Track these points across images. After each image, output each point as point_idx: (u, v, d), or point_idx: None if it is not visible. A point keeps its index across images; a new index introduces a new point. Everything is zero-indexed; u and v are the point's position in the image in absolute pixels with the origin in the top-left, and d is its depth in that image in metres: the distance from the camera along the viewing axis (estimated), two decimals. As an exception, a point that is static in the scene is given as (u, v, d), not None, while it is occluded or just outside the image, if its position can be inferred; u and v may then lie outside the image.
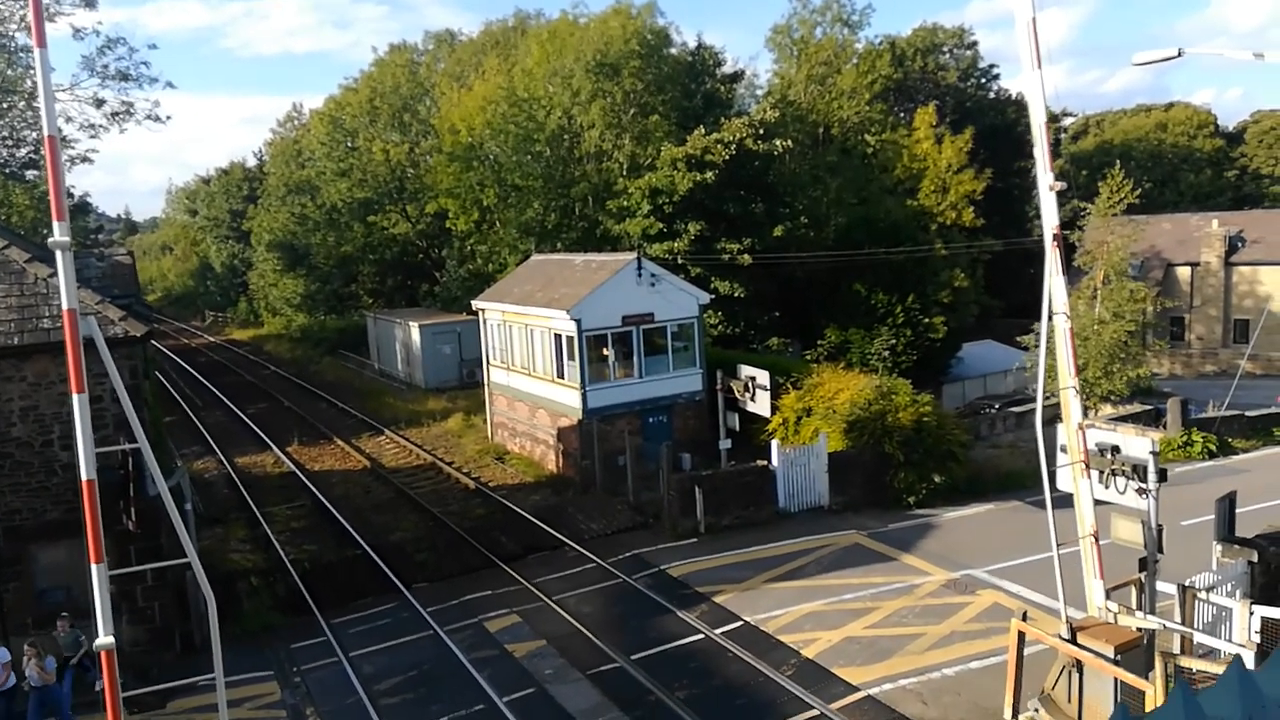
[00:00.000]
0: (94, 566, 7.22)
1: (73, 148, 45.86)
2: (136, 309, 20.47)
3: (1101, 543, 15.29)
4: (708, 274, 37.11)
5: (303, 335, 65.78)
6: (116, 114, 43.68)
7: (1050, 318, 14.09)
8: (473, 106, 45.18)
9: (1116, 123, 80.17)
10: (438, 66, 61.83)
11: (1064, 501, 16.52)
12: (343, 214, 58.10)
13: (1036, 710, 12.95)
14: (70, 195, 49.91)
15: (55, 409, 16.67)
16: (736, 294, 37.52)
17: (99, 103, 43.39)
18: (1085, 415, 34.17)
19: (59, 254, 7.27)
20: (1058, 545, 13.72)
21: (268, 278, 69.70)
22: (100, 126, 47.25)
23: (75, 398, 7.35)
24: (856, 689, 14.96)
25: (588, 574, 20.64)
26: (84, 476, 7.29)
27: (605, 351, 27.70)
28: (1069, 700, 12.69)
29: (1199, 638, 13.61)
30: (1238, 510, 16.73)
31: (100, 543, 7.49)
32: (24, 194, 42.88)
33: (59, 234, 7.22)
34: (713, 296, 32.16)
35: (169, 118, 67.80)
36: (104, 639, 7.12)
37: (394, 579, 20.61)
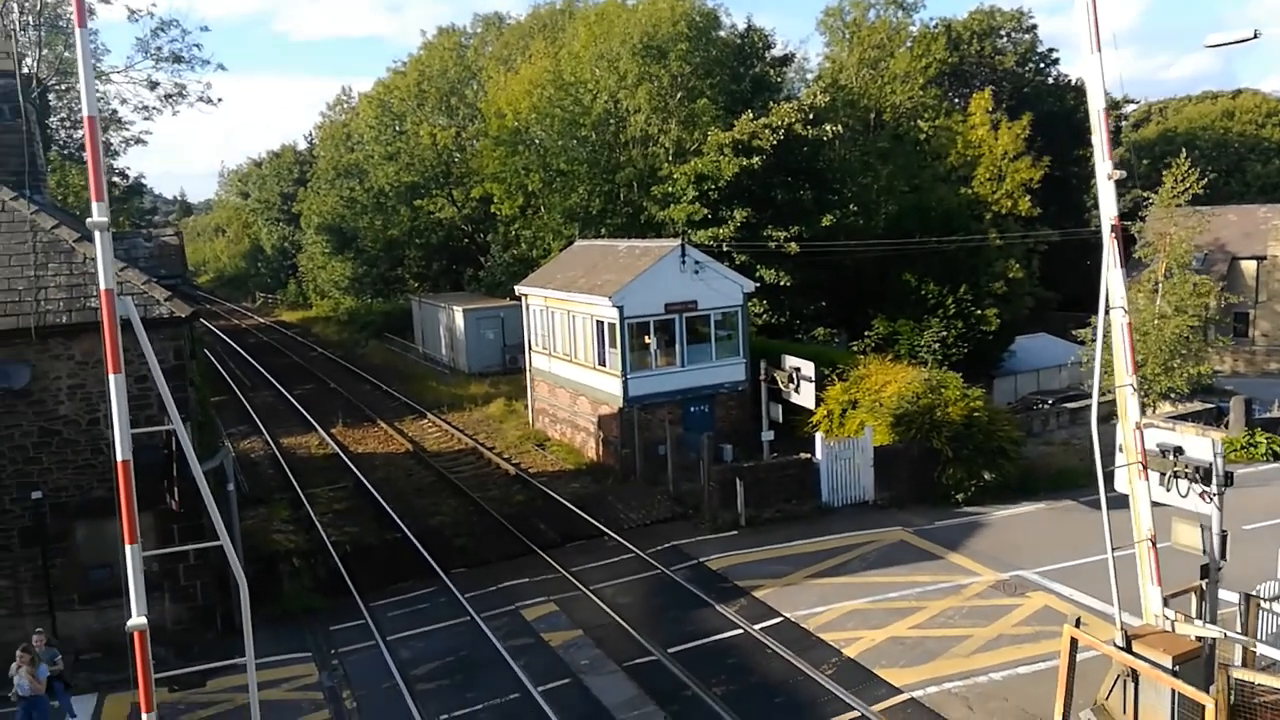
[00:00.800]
0: (128, 547, 7.20)
1: (127, 129, 46.82)
2: (183, 289, 20.62)
3: (1160, 547, 14.68)
4: (753, 262, 36.53)
5: (349, 318, 66.48)
6: (169, 96, 44.41)
7: (1108, 311, 13.44)
8: (519, 90, 44.99)
9: (1181, 110, 77.43)
10: (485, 50, 61.77)
11: (1120, 503, 15.88)
12: (390, 198, 58.43)
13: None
14: (125, 176, 50.94)
15: (102, 388, 16.79)
16: (782, 282, 36.89)
17: (152, 85, 44.09)
18: (1143, 413, 33.05)
19: (97, 234, 7.39)
20: (1113, 548, 13.20)
21: (316, 260, 70.50)
22: (154, 108, 48.07)
23: (111, 378, 7.35)
24: (899, 691, 14.56)
25: (626, 564, 20.44)
26: (119, 457, 7.28)
27: (647, 339, 27.39)
28: (1124, 711, 12.16)
29: (1262, 649, 12.96)
30: (1306, 516, 16.01)
31: (134, 523, 7.45)
32: (81, 175, 43.71)
33: (97, 214, 7.32)
34: (758, 285, 31.64)
35: (220, 100, 69.27)
36: (136, 620, 7.08)
37: (433, 563, 20.62)
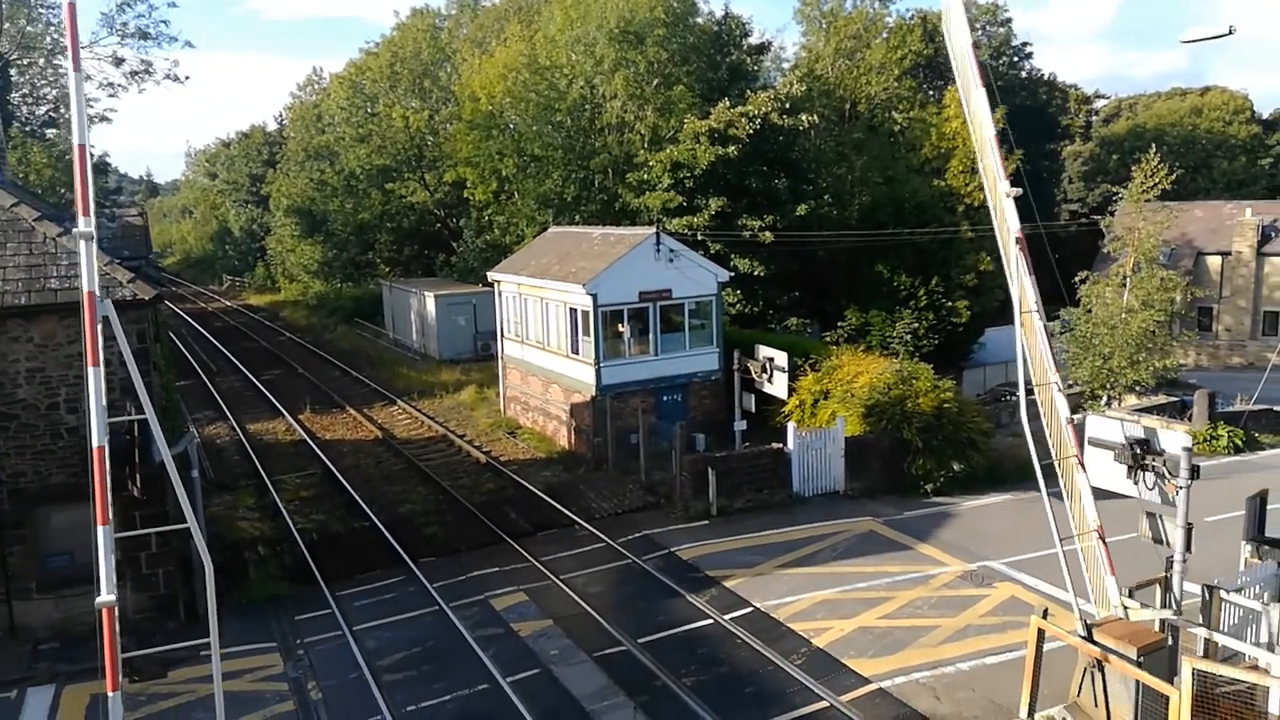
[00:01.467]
0: (100, 529, 7.34)
1: (92, 106, 45.66)
2: (148, 271, 20.19)
3: (1128, 539, 14.88)
4: (727, 251, 36.51)
5: (319, 302, 65.72)
6: (136, 73, 43.49)
7: (1021, 316, 13.83)
8: (494, 74, 44.55)
9: (1150, 106, 78.40)
10: (460, 32, 61.11)
11: (1091, 493, 16.06)
12: (361, 181, 57.73)
13: (1065, 719, 12.54)
14: (90, 155, 49.76)
15: (62, 371, 16.44)
16: (756, 272, 36.92)
17: (118, 61, 43.13)
18: (1109, 405, 33.45)
19: (82, 244, 7.75)
20: (1062, 541, 13.49)
21: (285, 243, 69.57)
22: (119, 85, 47.11)
23: (90, 370, 7.57)
24: (868, 681, 14.61)
25: (597, 553, 20.35)
26: (94, 443, 7.45)
27: (621, 328, 27.27)
28: (1095, 704, 12.29)
29: (1223, 640, 13.14)
30: (1266, 508, 16.21)
31: (107, 506, 7.54)
32: (42, 152, 42.74)
33: (83, 226, 7.70)
34: (732, 274, 31.60)
35: (188, 78, 67.96)
36: (105, 596, 7.18)
37: (402, 552, 20.40)
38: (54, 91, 45.64)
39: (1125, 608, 13.26)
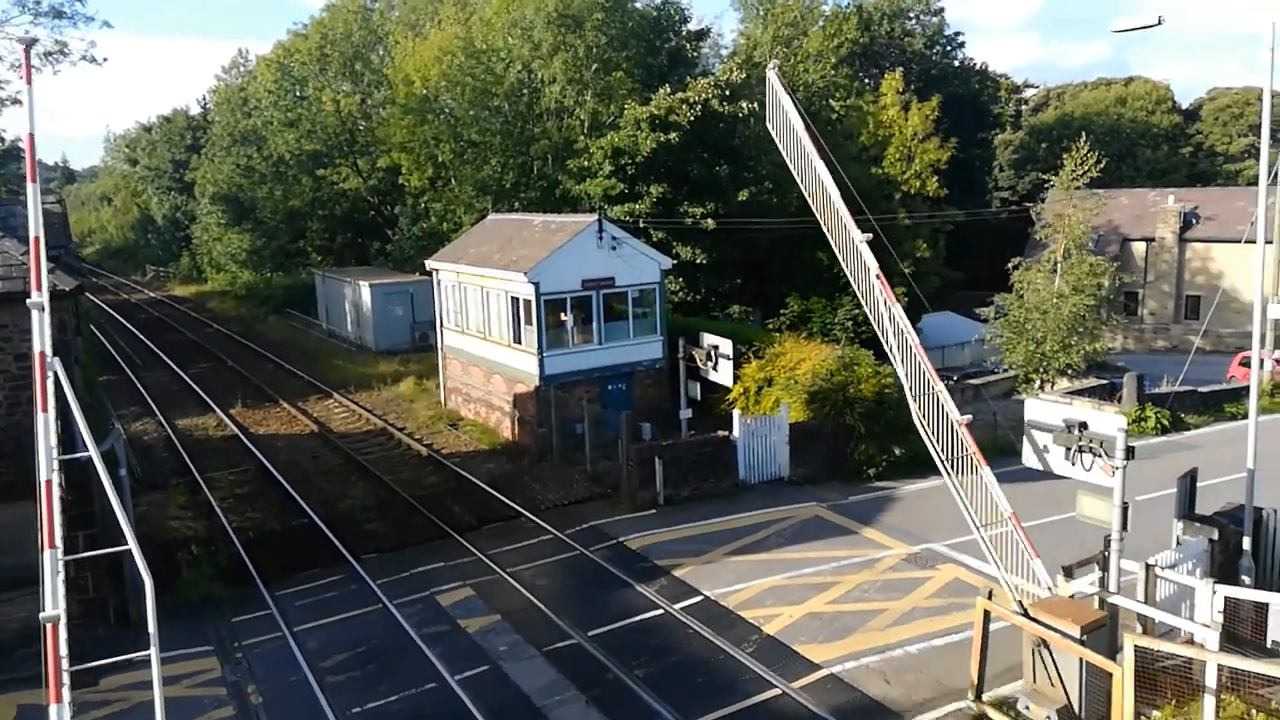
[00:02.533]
0: (47, 552, 7.55)
1: (2, 89, 43.41)
2: (67, 260, 19.28)
3: (1064, 519, 15.26)
4: (669, 239, 36.38)
5: (248, 293, 63.85)
6: (50, 54, 41.28)
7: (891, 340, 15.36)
8: (428, 57, 43.59)
9: (1077, 96, 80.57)
10: (392, 14, 59.67)
11: (1025, 475, 16.43)
12: (290, 166, 56.13)
13: (1027, 708, 12.74)
14: (0, 140, 47.42)
15: (-15, 369, 15.58)
16: (699, 260, 36.87)
17: (30, 42, 40.93)
18: (1043, 388, 34.16)
19: (35, 313, 8.32)
20: (982, 529, 14.42)
21: (211, 231, 67.36)
22: (32, 67, 44.79)
23: (40, 415, 8.03)
24: (819, 667, 14.68)
25: (544, 546, 20.11)
26: (42, 477, 7.79)
27: (564, 316, 26.97)
28: (1053, 684, 12.49)
29: (1159, 616, 13.51)
30: (1196, 486, 16.73)
31: (54, 532, 7.68)
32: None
33: (35, 297, 8.38)
34: (674, 262, 31.49)
35: (106, 60, 64.88)
36: (50, 611, 7.25)
37: (342, 549, 19.89)
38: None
39: (1050, 589, 13.63)
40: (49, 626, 7.13)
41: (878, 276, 15.41)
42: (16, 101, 44.02)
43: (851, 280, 16.27)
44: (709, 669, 14.76)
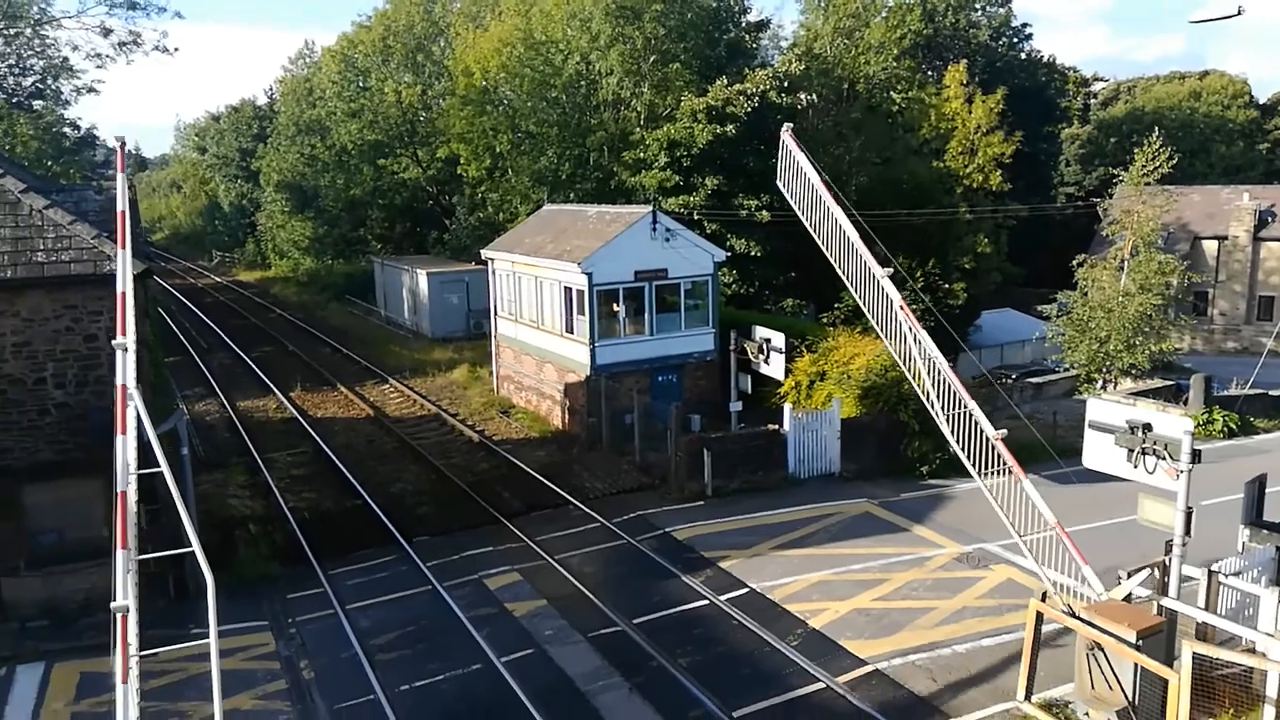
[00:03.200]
0: (120, 551, 8.08)
1: (79, 78, 44.98)
2: (136, 245, 19.84)
3: (1125, 521, 14.85)
4: (724, 231, 36.20)
5: (309, 279, 65.22)
6: (123, 44, 42.67)
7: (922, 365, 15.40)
8: (488, 48, 43.93)
9: (1149, 90, 78.02)
10: (453, 6, 60.24)
11: (1087, 477, 16.03)
12: (352, 156, 57.09)
13: (1086, 714, 12.48)
14: (76, 127, 49.12)
15: (49, 346, 16.19)
16: (753, 252, 36.62)
17: (106, 31, 42.29)
18: (1104, 388, 33.30)
19: (119, 353, 8.80)
20: (1020, 534, 14.17)
21: (275, 219, 68.91)
22: (107, 56, 46.27)
23: (120, 438, 8.42)
24: (864, 663, 14.55)
25: (591, 534, 20.23)
26: (119, 488, 8.23)
27: (616, 307, 27.03)
28: (1110, 688, 12.18)
29: (1220, 624, 13.10)
30: (1265, 493, 16.14)
31: (128, 533, 8.21)
32: (28, 124, 42.06)
33: (120, 339, 8.89)
34: (728, 254, 31.33)
35: (177, 49, 66.30)
36: (121, 602, 7.80)
37: (394, 531, 20.25)
38: (40, 62, 44.88)
39: (1099, 595, 13.33)
40: (120, 616, 7.69)
41: (901, 308, 15.68)
42: (93, 90, 45.56)
43: (871, 319, 16.66)
44: (753, 661, 14.72)
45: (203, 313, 55.58)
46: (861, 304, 16.82)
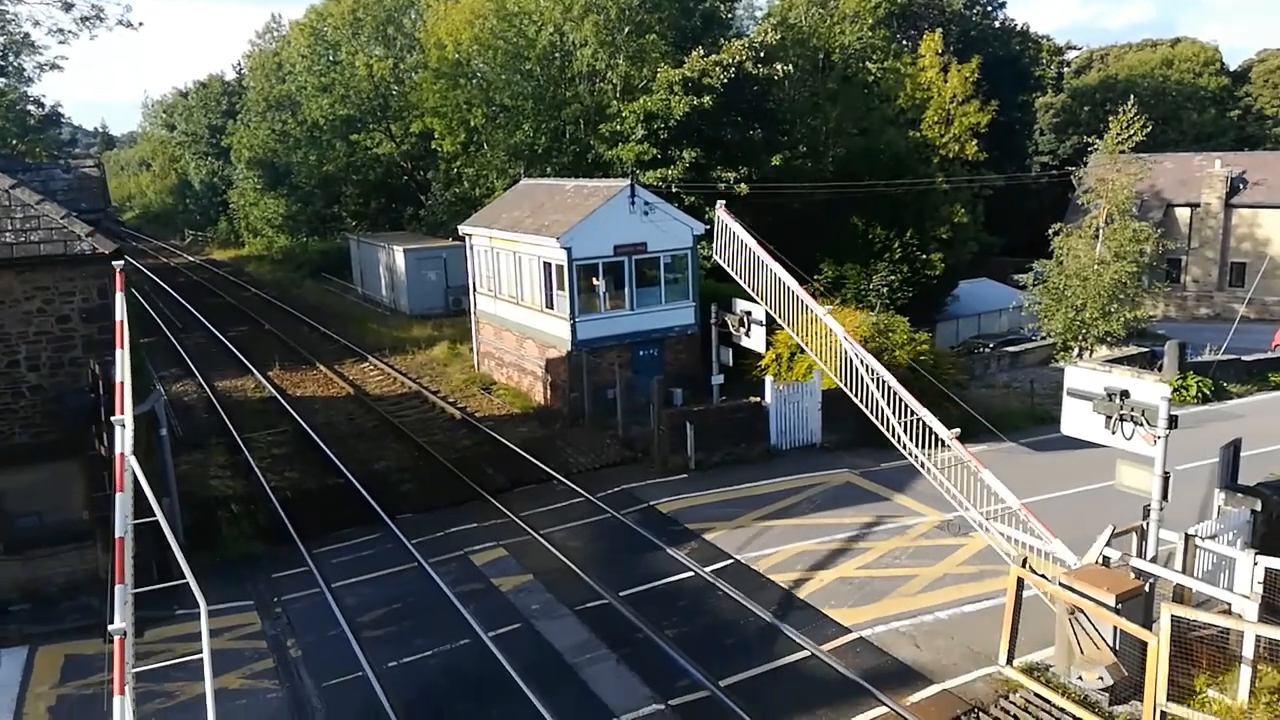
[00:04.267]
0: (118, 587, 8.18)
1: (41, 54, 43.91)
2: (105, 224, 19.49)
3: (1102, 487, 15.08)
4: (702, 203, 36.05)
5: (284, 257, 64.47)
6: (86, 18, 41.63)
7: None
8: (460, 21, 43.33)
9: (1122, 58, 78.33)
10: (424, -23, 59.30)
11: (1064, 444, 16.25)
12: (324, 131, 56.29)
13: (1080, 678, 12.68)
14: (40, 105, 48.01)
15: (20, 328, 15.90)
16: (731, 225, 36.52)
17: (67, 5, 41.28)
18: (1080, 356, 33.66)
19: (118, 429, 9.17)
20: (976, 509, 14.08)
21: (248, 196, 67.94)
22: (69, 32, 45.27)
23: (117, 495, 8.67)
24: (848, 630, 14.74)
25: (576, 508, 20.28)
26: (117, 533, 8.43)
27: (596, 282, 26.93)
28: (1097, 647, 12.40)
29: (1197, 586, 13.36)
30: (1239, 457, 16.42)
31: (125, 571, 8.28)
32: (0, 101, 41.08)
33: (118, 416, 9.30)
34: (707, 227, 31.24)
35: (142, 24, 65.16)
36: (119, 625, 7.86)
37: (378, 509, 20.19)
38: (0, 38, 43.78)
39: (1074, 562, 13.63)
40: (117, 639, 7.95)
41: (845, 339, 17.85)
42: (56, 67, 44.54)
43: (814, 356, 19.02)
44: (738, 630, 14.87)
45: (177, 293, 54.83)
46: (804, 344, 19.17)
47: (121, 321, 10.99)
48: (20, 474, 15.90)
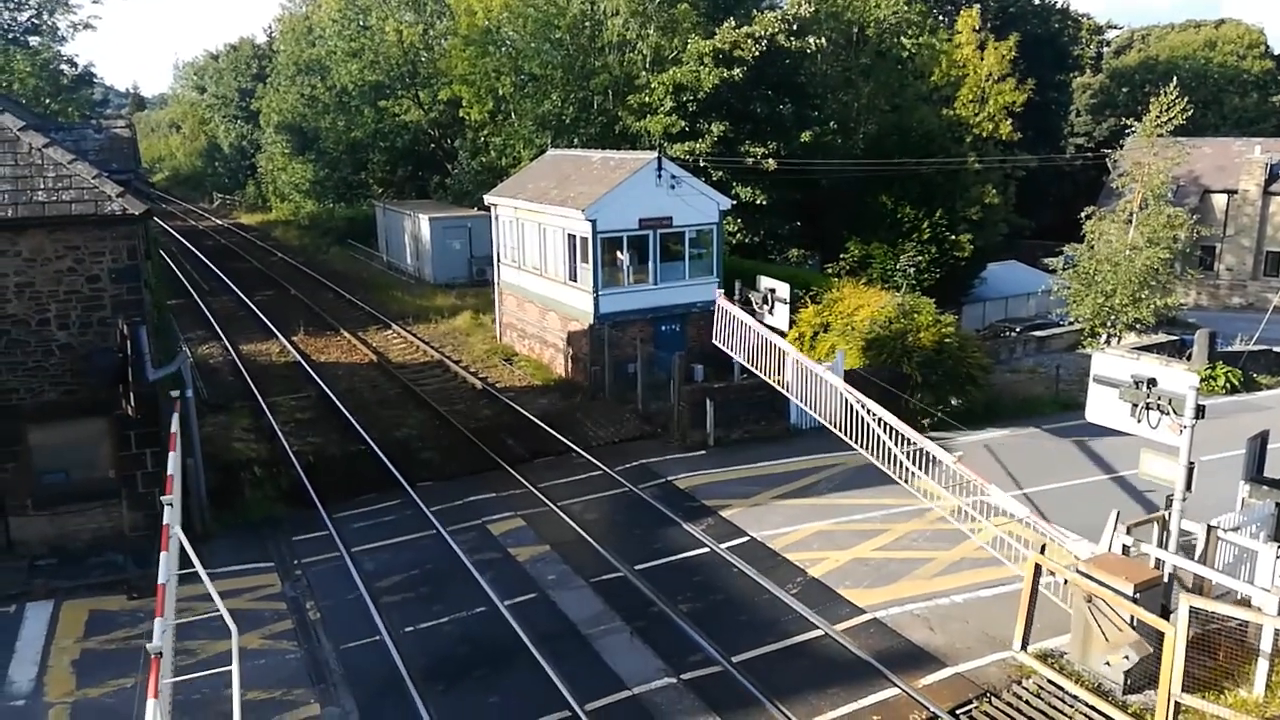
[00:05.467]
0: (157, 620, 8.98)
1: (74, 13, 44.14)
2: (136, 185, 19.63)
3: (1125, 475, 14.90)
4: (729, 178, 35.82)
5: (311, 223, 64.72)
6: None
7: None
8: (491, -13, 43.00)
9: (1163, 38, 76.50)
10: (456, -57, 58.80)
11: (1092, 431, 16.07)
12: (353, 97, 56.26)
13: (1107, 664, 12.63)
14: (73, 64, 48.31)
15: (52, 286, 16.08)
16: (758, 201, 36.28)
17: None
18: (1108, 342, 33.21)
19: (166, 508, 10.52)
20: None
21: (276, 161, 68.13)
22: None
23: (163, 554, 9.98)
24: (863, 611, 14.74)
25: (594, 481, 20.36)
26: (160, 580, 9.61)
27: (620, 255, 26.84)
28: (1119, 630, 12.33)
29: (1218, 578, 13.23)
30: (1267, 449, 16.17)
31: (167, 607, 9.23)
32: (25, 61, 41.36)
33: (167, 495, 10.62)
34: (734, 203, 31.03)
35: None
36: (156, 644, 8.62)
37: (398, 476, 20.37)
38: (36, -2, 43.99)
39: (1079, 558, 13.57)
40: (154, 657, 8.59)
41: (848, 390, 18.82)
42: (89, 26, 44.73)
43: (821, 418, 19.57)
44: (752, 607, 14.91)
45: (205, 255, 55.29)
46: (808, 408, 19.86)
47: (174, 434, 11.84)
48: (49, 431, 16.18)
